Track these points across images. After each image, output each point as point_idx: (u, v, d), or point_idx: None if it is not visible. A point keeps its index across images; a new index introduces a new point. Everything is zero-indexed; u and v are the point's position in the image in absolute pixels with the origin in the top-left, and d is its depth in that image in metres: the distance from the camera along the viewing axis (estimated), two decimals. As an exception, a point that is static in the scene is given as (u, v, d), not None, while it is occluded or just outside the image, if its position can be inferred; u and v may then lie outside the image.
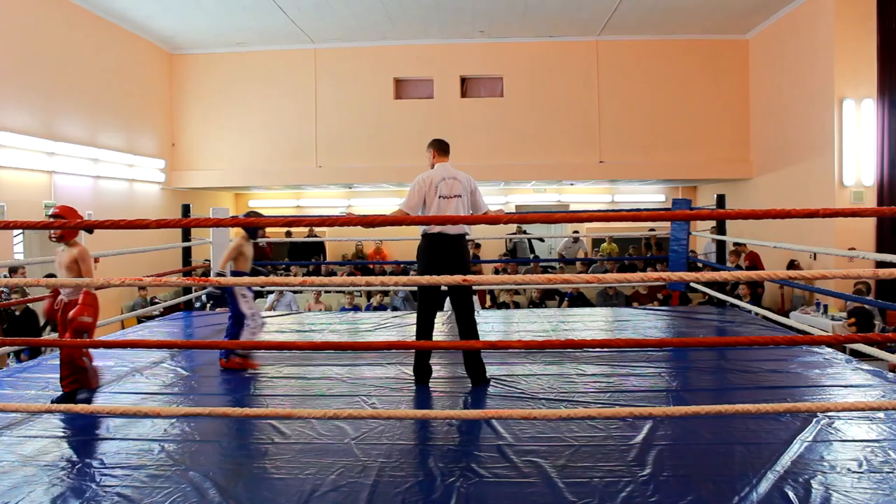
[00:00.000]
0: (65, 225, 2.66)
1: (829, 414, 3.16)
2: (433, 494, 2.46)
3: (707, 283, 6.99)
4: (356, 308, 9.29)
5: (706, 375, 4.27)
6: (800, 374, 4.06)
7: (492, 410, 3.36)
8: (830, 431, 2.98)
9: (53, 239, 3.63)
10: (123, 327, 8.33)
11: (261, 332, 4.63)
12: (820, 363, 4.27)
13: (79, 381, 3.58)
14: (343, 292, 9.72)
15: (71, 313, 3.44)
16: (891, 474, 2.53)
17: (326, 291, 10.39)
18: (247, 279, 3.57)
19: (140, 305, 9.92)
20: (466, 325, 4.05)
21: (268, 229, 13.32)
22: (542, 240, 14.49)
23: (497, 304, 9.84)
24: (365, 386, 3.92)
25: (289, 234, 13.65)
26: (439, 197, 3.94)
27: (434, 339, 4.77)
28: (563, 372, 4.15)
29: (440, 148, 4.13)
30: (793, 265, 9.46)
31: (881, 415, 3.14)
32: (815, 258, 9.17)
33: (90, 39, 9.87)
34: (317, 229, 12.75)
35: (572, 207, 14.79)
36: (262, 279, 2.95)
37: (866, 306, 6.60)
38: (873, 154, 8.73)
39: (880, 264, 5.01)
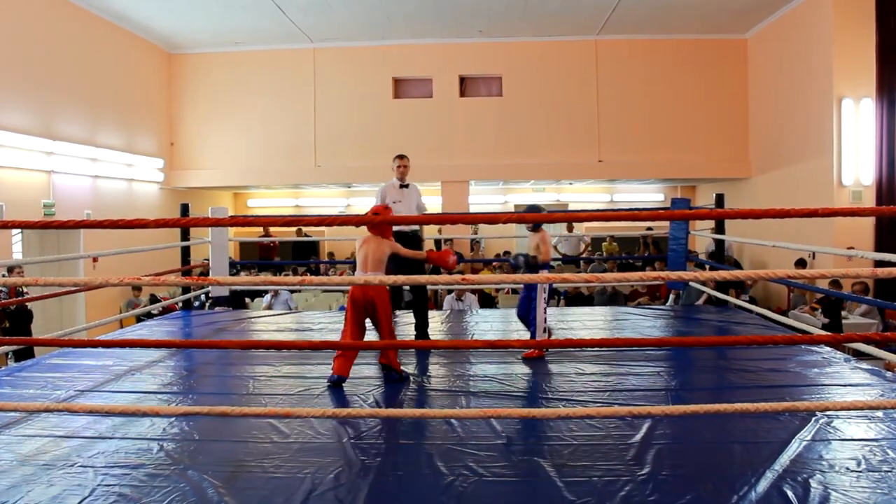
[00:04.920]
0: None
1: (828, 413, 3.16)
2: (432, 494, 2.46)
3: (705, 283, 6.99)
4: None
5: (705, 375, 4.27)
6: (799, 373, 4.07)
7: (491, 409, 3.35)
8: (829, 430, 2.98)
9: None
10: (122, 326, 8.32)
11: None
12: (819, 362, 4.27)
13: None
14: (343, 293, 9.71)
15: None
16: (889, 473, 2.53)
17: (325, 291, 10.39)
18: (247, 279, 3.58)
19: (133, 305, 9.89)
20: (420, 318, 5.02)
21: (274, 229, 13.31)
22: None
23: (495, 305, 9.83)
24: (364, 385, 3.92)
25: (300, 232, 13.31)
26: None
27: (431, 337, 4.96)
28: (562, 371, 4.16)
29: None
30: (804, 265, 9.35)
31: (880, 414, 3.14)
32: (813, 257, 9.16)
33: (89, 39, 9.85)
34: (315, 229, 12.63)
35: (571, 207, 14.77)
36: (261, 278, 2.95)
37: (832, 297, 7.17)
38: (872, 153, 8.74)
39: (879, 263, 5.00)
